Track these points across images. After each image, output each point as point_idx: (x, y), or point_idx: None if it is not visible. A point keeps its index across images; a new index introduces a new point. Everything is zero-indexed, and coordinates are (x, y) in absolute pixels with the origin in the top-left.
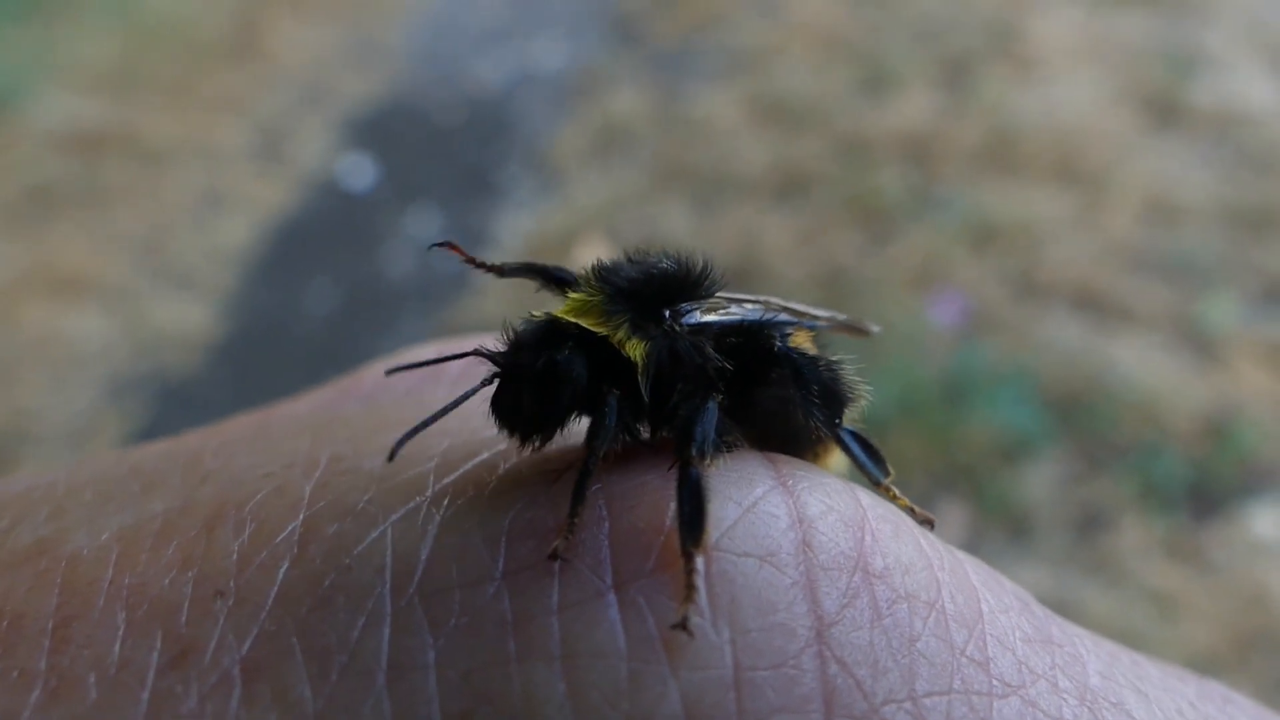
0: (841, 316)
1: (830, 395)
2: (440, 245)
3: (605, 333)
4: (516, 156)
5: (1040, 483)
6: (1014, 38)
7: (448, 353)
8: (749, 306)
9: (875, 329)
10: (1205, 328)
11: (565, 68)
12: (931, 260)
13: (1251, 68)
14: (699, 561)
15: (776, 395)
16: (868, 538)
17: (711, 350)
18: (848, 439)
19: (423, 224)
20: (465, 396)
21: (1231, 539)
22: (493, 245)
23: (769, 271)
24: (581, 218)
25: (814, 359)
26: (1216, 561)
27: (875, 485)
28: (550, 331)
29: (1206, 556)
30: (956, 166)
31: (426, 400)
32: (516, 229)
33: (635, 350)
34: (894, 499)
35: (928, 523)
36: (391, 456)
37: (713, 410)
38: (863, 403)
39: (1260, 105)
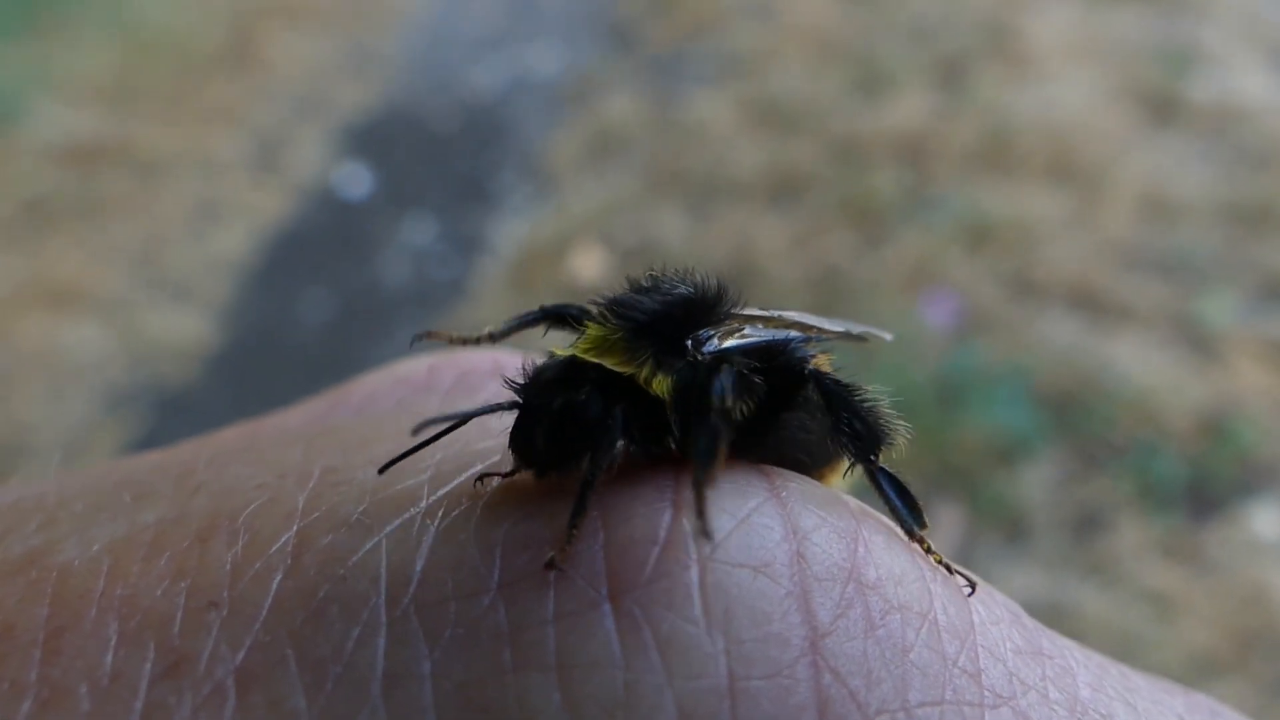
0: (857, 328)
1: (865, 428)
2: (420, 337)
3: (630, 372)
4: (512, 163)
5: (1036, 483)
6: (1009, 36)
7: (443, 367)
8: (761, 326)
9: (888, 337)
10: (1203, 325)
11: (560, 74)
12: (926, 261)
13: (1248, 63)
14: (700, 558)
15: (799, 420)
16: (861, 549)
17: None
18: (883, 481)
19: (419, 232)
20: (477, 413)
21: (1230, 538)
22: (488, 252)
23: (763, 274)
24: (576, 224)
25: (849, 386)
26: (1215, 561)
27: (909, 536)
28: (571, 371)
29: (1205, 556)
30: (951, 167)
31: (418, 411)
32: (511, 236)
33: (662, 386)
34: (927, 551)
35: (970, 585)
36: (383, 470)
37: (730, 372)
38: (900, 442)
39: (1257, 101)
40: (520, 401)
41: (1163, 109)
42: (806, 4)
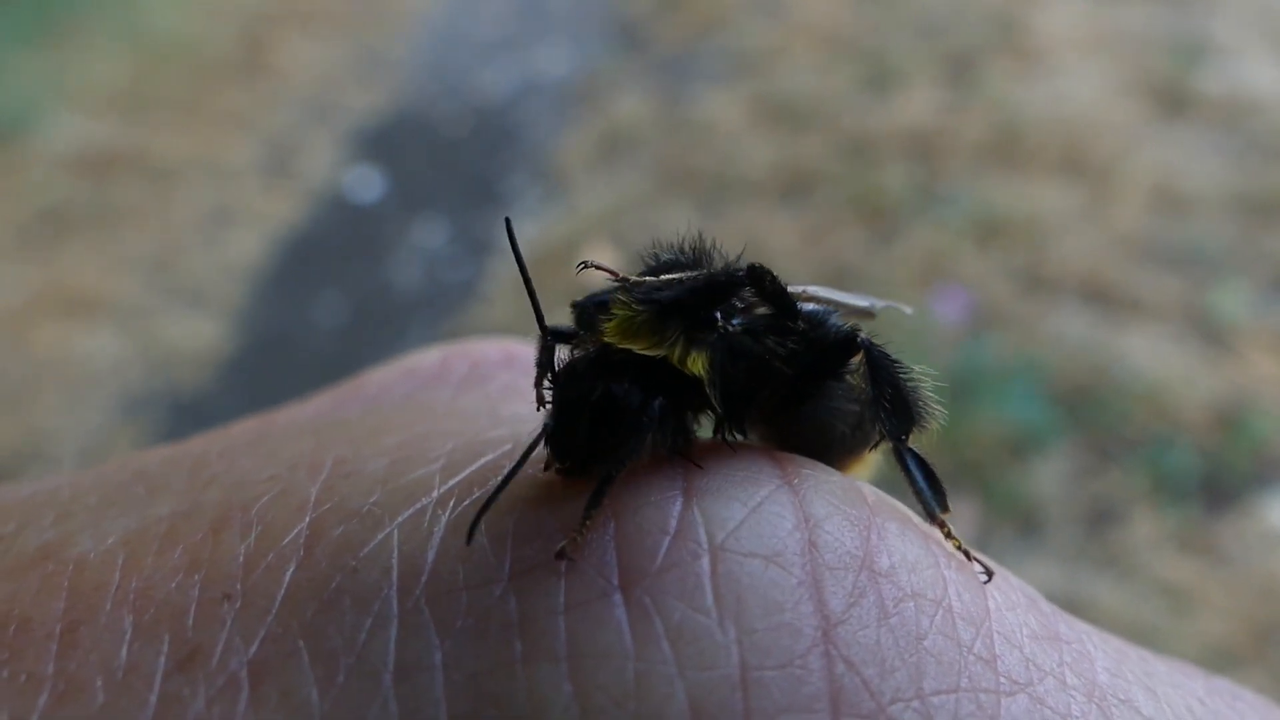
0: (880, 303)
1: (903, 406)
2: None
3: (662, 354)
4: (522, 165)
5: (1050, 478)
6: (1018, 31)
7: (456, 357)
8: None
9: (908, 310)
10: (1216, 317)
11: (569, 75)
12: (937, 257)
13: (1259, 55)
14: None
15: (845, 389)
16: (874, 536)
17: (773, 341)
18: (910, 461)
19: (430, 234)
20: (527, 453)
21: (1245, 531)
22: (499, 254)
23: (774, 271)
24: (586, 224)
25: (896, 360)
26: (1230, 553)
27: (930, 519)
28: (604, 360)
29: (1220, 549)
30: (961, 162)
31: (428, 404)
32: (522, 237)
33: (697, 364)
34: (947, 535)
35: (987, 573)
36: (469, 539)
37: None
38: (934, 427)
39: (1269, 92)
40: (555, 406)
41: (1173, 101)
42: (815, 1)
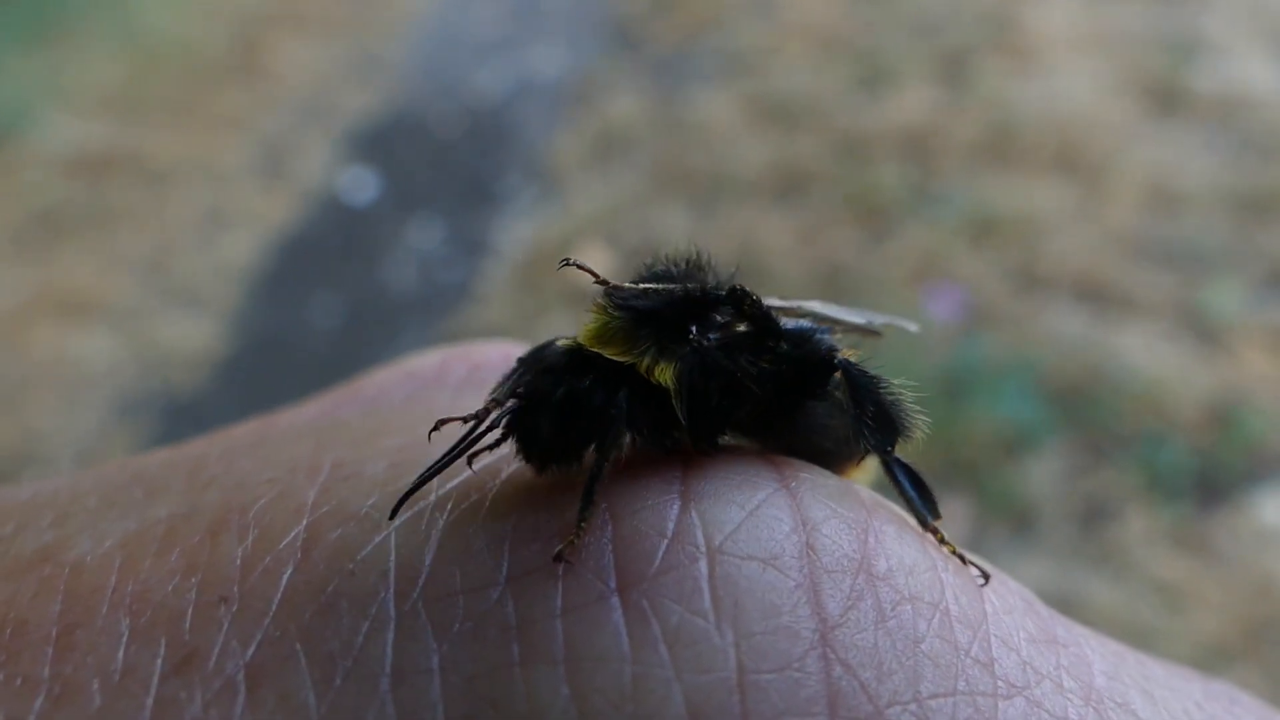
0: (880, 319)
1: (886, 420)
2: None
3: (630, 361)
4: (516, 165)
5: (1044, 476)
6: (1011, 29)
7: (457, 360)
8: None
9: (913, 327)
10: (1209, 315)
11: (564, 75)
12: (931, 255)
13: (1252, 52)
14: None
15: (827, 408)
16: (871, 540)
17: (746, 360)
18: (898, 471)
19: (425, 235)
20: (467, 446)
21: (1238, 528)
22: (493, 254)
23: (769, 271)
24: (581, 224)
25: (874, 377)
26: (1224, 551)
27: (923, 526)
28: (573, 360)
29: (1213, 546)
30: (956, 161)
31: (428, 406)
32: (517, 237)
33: (665, 375)
34: (941, 541)
35: (983, 576)
36: (393, 515)
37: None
38: (918, 436)
39: (1261, 89)
40: (515, 400)
41: (1167, 99)
42: (809, 1)
